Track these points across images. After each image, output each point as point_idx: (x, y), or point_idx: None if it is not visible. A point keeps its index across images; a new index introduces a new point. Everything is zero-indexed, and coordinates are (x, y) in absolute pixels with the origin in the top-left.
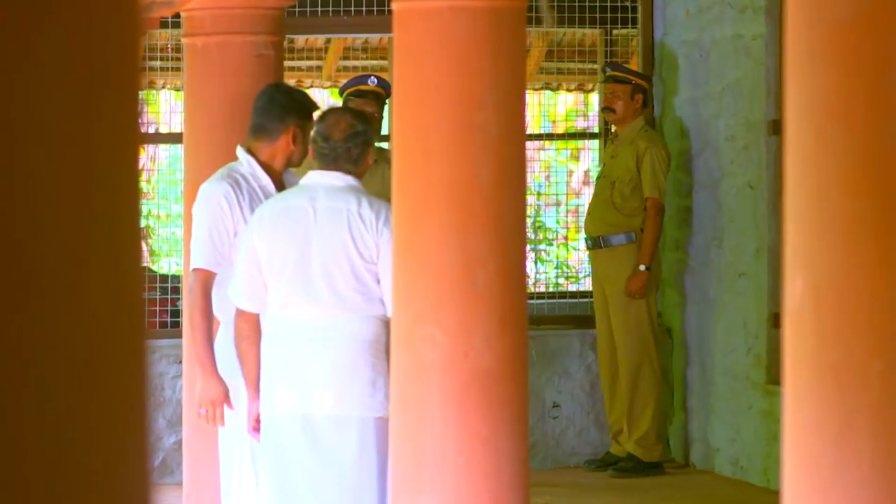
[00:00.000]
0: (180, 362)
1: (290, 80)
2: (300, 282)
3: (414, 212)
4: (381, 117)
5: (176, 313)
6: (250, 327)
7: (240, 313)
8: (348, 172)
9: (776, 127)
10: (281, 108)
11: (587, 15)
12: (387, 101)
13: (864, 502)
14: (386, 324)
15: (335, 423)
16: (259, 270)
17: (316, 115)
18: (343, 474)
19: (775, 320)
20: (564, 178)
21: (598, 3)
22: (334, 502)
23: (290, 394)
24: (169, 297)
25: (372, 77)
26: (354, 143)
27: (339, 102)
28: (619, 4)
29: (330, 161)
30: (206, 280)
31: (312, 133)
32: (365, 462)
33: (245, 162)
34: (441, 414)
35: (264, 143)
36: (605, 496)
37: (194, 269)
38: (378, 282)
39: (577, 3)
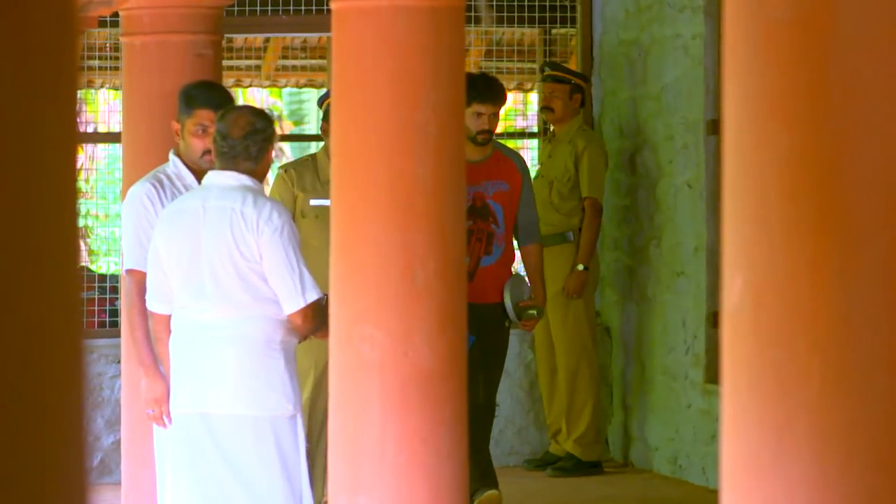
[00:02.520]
0: (119, 362)
1: (229, 80)
2: (192, 282)
3: (353, 211)
4: None
5: (114, 313)
6: (162, 328)
7: (151, 314)
8: (248, 171)
9: (715, 126)
10: (177, 107)
11: (526, 14)
12: None
13: (804, 500)
14: (282, 322)
15: (231, 423)
16: (163, 271)
17: (200, 107)
18: (243, 473)
19: (714, 319)
20: None
21: (536, 3)
22: (237, 501)
23: (189, 393)
24: (107, 296)
25: None
26: (253, 141)
27: (278, 101)
28: (557, 4)
29: (229, 159)
30: (140, 280)
31: (213, 132)
32: (265, 462)
33: (172, 162)
34: (380, 413)
35: (181, 142)
36: (544, 496)
37: (127, 271)
38: (267, 281)
39: (515, 3)
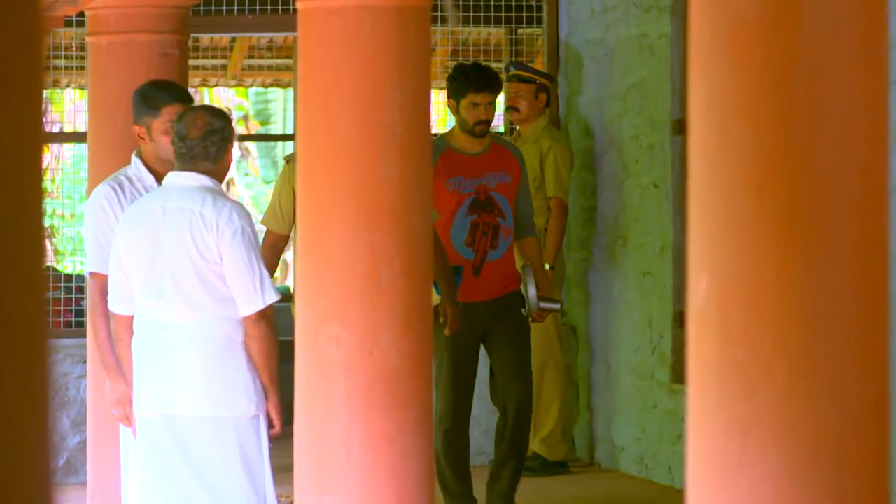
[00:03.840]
0: (85, 362)
1: (195, 80)
2: (152, 283)
3: (319, 211)
4: None
5: (80, 313)
6: (123, 329)
7: (112, 316)
8: (207, 171)
9: (681, 126)
10: (133, 110)
11: (492, 14)
12: None
13: (769, 499)
14: (241, 323)
15: (193, 424)
16: (124, 272)
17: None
18: (205, 474)
19: (680, 319)
20: None
21: (503, 3)
22: (199, 502)
23: (151, 394)
24: (73, 296)
25: None
26: (212, 141)
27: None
28: (524, 3)
29: (188, 160)
30: (103, 283)
31: (172, 133)
32: (228, 462)
33: (133, 164)
34: (346, 413)
35: (141, 144)
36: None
37: (90, 274)
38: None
39: (482, 3)
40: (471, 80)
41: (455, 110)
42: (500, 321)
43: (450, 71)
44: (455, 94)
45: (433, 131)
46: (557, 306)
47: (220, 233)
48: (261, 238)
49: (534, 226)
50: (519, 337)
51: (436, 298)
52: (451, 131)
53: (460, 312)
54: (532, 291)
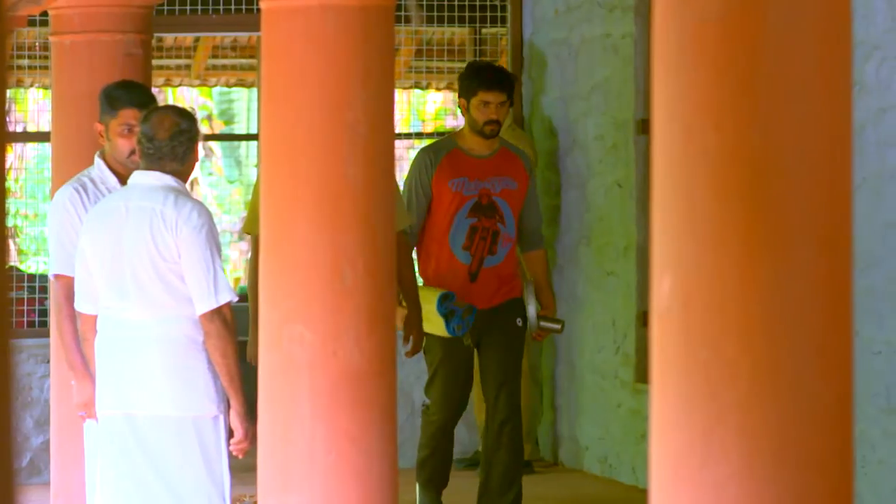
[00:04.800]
0: (48, 362)
1: (159, 79)
2: (115, 283)
3: (282, 210)
4: None
5: (43, 312)
6: (89, 328)
7: (78, 315)
8: (173, 171)
9: (645, 126)
10: (99, 106)
11: (456, 14)
12: None
13: (733, 498)
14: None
15: (154, 423)
16: (89, 272)
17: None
18: (167, 474)
19: (644, 319)
20: None
21: (467, 2)
22: (161, 502)
23: (114, 394)
24: (36, 296)
25: None
26: (179, 142)
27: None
28: (488, 3)
29: (155, 160)
30: (68, 285)
31: (138, 133)
32: (189, 462)
33: (96, 165)
34: (310, 413)
35: (106, 145)
36: (474, 495)
37: (54, 276)
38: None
39: (446, 2)
40: (482, 78)
41: (465, 109)
42: (494, 329)
43: (414, 70)
44: (465, 93)
45: (396, 131)
46: (558, 327)
47: (179, 231)
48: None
49: (542, 239)
50: (512, 349)
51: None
52: (460, 131)
53: (423, 337)
54: (532, 311)
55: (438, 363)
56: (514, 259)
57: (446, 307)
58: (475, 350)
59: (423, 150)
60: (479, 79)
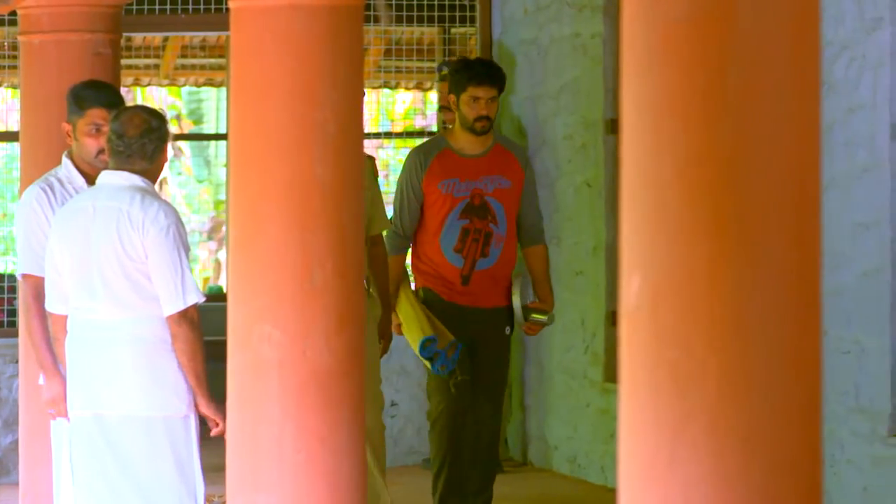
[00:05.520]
0: (17, 362)
1: (128, 79)
2: (83, 283)
3: (252, 210)
4: None
5: (12, 312)
6: (59, 328)
7: (49, 315)
8: (142, 170)
9: (614, 125)
10: (66, 108)
11: (425, 13)
12: None
13: (701, 498)
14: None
15: (124, 424)
16: (58, 272)
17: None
18: (136, 475)
19: (613, 318)
20: None
21: (436, 2)
22: (130, 503)
23: (83, 394)
24: (5, 296)
25: None
26: (149, 139)
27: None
28: (457, 3)
29: (124, 159)
30: (37, 284)
31: (108, 131)
32: (159, 462)
33: (63, 165)
34: (279, 412)
35: (73, 144)
36: None
37: (22, 276)
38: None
39: (415, 2)
40: (472, 73)
41: (455, 106)
42: (484, 337)
43: (383, 70)
44: (455, 88)
45: (365, 130)
46: (545, 318)
47: (146, 231)
48: None
49: (542, 233)
50: (499, 360)
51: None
52: (451, 130)
53: (391, 341)
54: (517, 302)
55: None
56: (508, 260)
57: (429, 351)
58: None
59: (414, 152)
60: (468, 73)
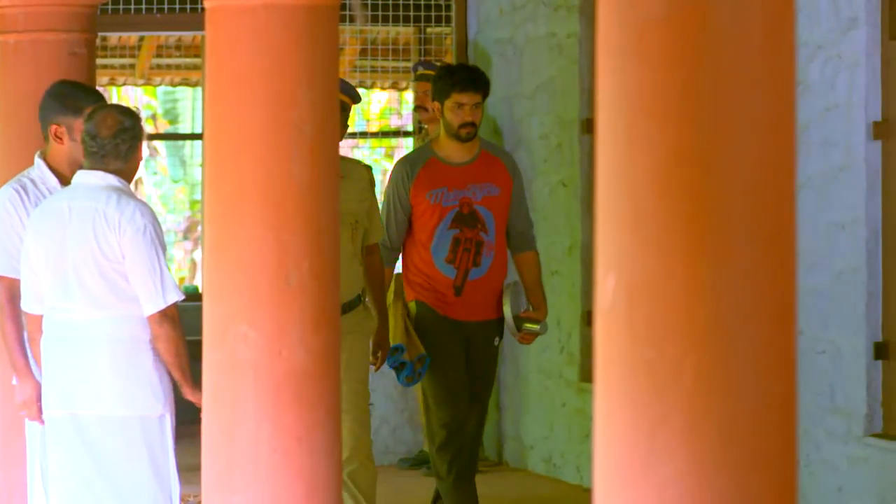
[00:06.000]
0: None
1: (103, 79)
2: (58, 282)
3: (227, 210)
4: (345, 128)
5: None
6: (35, 329)
7: (25, 315)
8: (116, 170)
9: (590, 125)
10: (42, 109)
11: (401, 13)
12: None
13: (677, 497)
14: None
15: (100, 423)
16: (34, 272)
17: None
18: (112, 474)
19: (588, 318)
20: (379, 176)
21: (411, 2)
22: (105, 502)
23: (59, 394)
24: None
25: None
26: (122, 139)
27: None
28: (432, 3)
29: (98, 159)
30: (10, 286)
31: (82, 132)
32: (134, 462)
33: (36, 166)
34: (255, 412)
35: (48, 145)
36: (418, 494)
37: None
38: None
39: (390, 2)
40: (455, 79)
41: (440, 113)
42: (474, 349)
43: (359, 70)
44: (439, 96)
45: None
46: (537, 328)
47: (122, 231)
48: None
49: (533, 240)
50: (488, 368)
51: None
52: (436, 138)
53: (386, 355)
54: (509, 313)
55: (436, 380)
56: (500, 269)
57: (394, 361)
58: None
59: (400, 162)
60: (451, 79)
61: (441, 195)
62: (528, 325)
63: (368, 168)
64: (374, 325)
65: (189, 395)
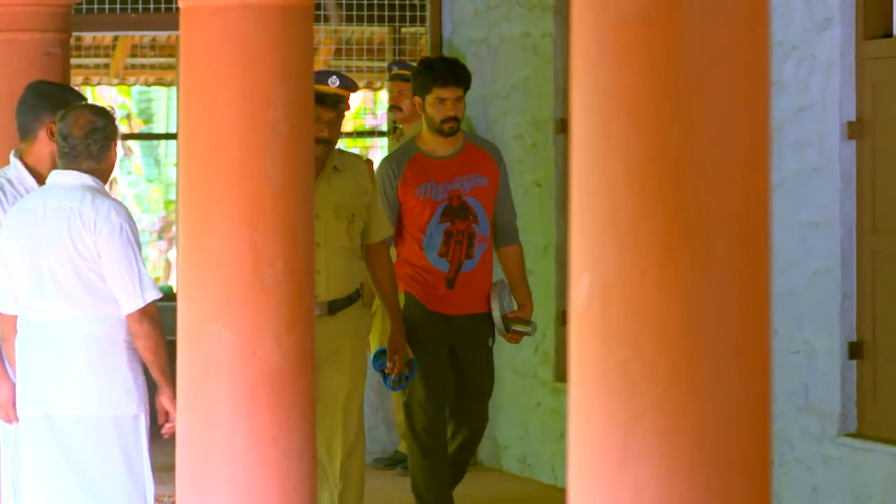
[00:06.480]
0: None
1: (77, 78)
2: (33, 282)
3: (202, 209)
4: (341, 122)
5: None
6: (9, 329)
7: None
8: (89, 170)
9: (564, 125)
10: (32, 107)
11: (375, 13)
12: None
13: (651, 497)
14: (124, 322)
15: (74, 423)
16: (9, 272)
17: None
18: (86, 474)
19: (563, 318)
20: None
21: (386, 2)
22: (79, 502)
23: (33, 394)
24: None
25: (333, 77)
26: (94, 140)
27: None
28: (407, 3)
29: (71, 159)
30: None
31: (55, 132)
32: (109, 462)
33: (13, 166)
34: (230, 412)
35: (28, 144)
36: (392, 494)
37: None
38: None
39: (365, 1)
40: (436, 74)
41: (421, 108)
42: (467, 345)
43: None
44: (420, 91)
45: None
46: (528, 329)
47: (98, 230)
48: None
49: (516, 233)
50: (486, 369)
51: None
52: (419, 134)
53: (404, 359)
54: (497, 314)
55: (418, 381)
56: (489, 262)
57: (381, 364)
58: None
59: (385, 161)
60: (432, 75)
61: (430, 190)
62: (518, 327)
63: (369, 162)
64: (370, 323)
65: (166, 400)
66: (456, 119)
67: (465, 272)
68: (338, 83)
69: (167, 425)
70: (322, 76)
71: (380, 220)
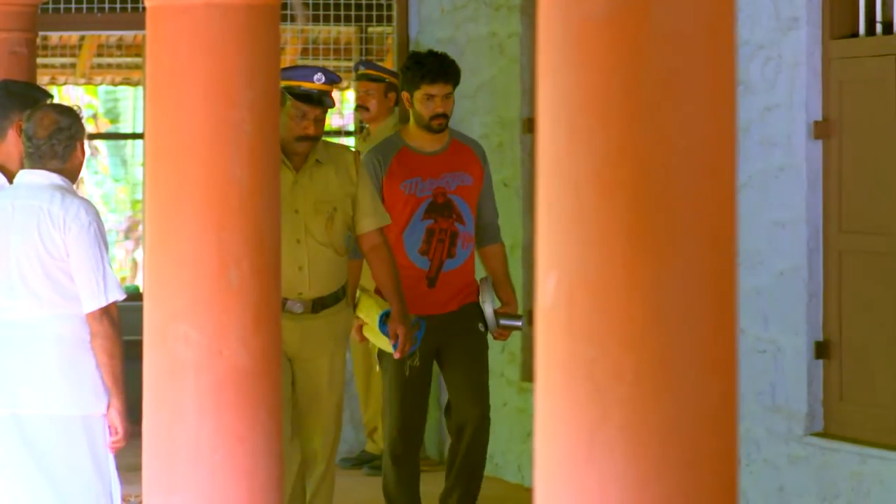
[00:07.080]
0: None
1: (44, 78)
2: (2, 281)
3: (168, 209)
4: (324, 118)
5: None
6: None
7: None
8: (56, 169)
9: (531, 125)
10: (1, 106)
11: (342, 13)
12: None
13: (618, 496)
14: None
15: (42, 423)
16: None
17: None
18: (54, 474)
19: (530, 317)
20: None
21: (353, 1)
22: (48, 502)
23: (1, 393)
24: None
25: (319, 74)
26: (58, 140)
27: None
28: (374, 2)
29: (36, 159)
30: None
31: (21, 133)
32: (77, 461)
33: None
34: (196, 412)
35: None
36: (360, 494)
37: None
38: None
39: (332, 1)
40: (424, 70)
41: (409, 104)
42: (456, 337)
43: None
44: (408, 86)
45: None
46: (519, 323)
47: (67, 229)
48: None
49: (498, 231)
50: (477, 355)
51: (368, 308)
52: (406, 128)
53: (412, 335)
54: (489, 309)
55: (395, 385)
56: (472, 264)
57: (389, 326)
58: (433, 362)
59: (370, 153)
60: (421, 70)
61: (415, 185)
62: (508, 321)
63: (356, 153)
64: (351, 325)
65: (115, 413)
66: (445, 116)
67: (446, 271)
68: (323, 80)
69: (112, 441)
70: (307, 73)
71: (368, 209)
